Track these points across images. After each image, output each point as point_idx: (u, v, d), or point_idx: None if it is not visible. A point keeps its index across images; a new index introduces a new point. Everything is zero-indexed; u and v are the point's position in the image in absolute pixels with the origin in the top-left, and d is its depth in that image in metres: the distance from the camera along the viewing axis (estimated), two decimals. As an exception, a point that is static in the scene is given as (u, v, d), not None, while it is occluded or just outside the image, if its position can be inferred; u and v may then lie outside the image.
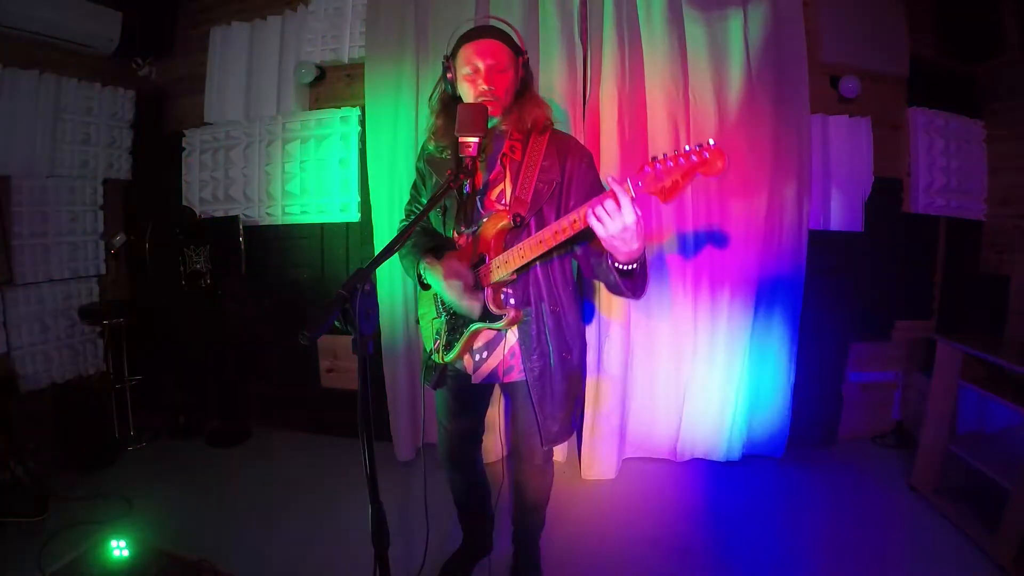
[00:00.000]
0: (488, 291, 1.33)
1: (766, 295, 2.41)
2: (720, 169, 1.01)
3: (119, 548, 1.73)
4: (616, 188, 1.06)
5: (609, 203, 1.07)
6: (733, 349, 2.43)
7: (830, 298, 2.57)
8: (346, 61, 2.66)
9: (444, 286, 1.30)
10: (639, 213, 1.08)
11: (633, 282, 1.24)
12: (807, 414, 2.63)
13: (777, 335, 2.45)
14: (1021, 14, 2.40)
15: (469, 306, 1.30)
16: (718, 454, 2.54)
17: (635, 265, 1.20)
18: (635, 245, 1.12)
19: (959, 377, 2.08)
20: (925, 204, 2.58)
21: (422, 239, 1.48)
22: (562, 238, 1.18)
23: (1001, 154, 2.60)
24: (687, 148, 1.01)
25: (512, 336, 1.41)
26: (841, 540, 1.98)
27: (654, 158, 1.04)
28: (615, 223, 1.07)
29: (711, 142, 1.00)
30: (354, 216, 2.69)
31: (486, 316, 1.34)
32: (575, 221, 1.15)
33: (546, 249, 1.22)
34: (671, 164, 1.02)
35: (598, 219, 1.09)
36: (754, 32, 2.27)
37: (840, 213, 2.53)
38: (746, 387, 2.48)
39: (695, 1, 2.27)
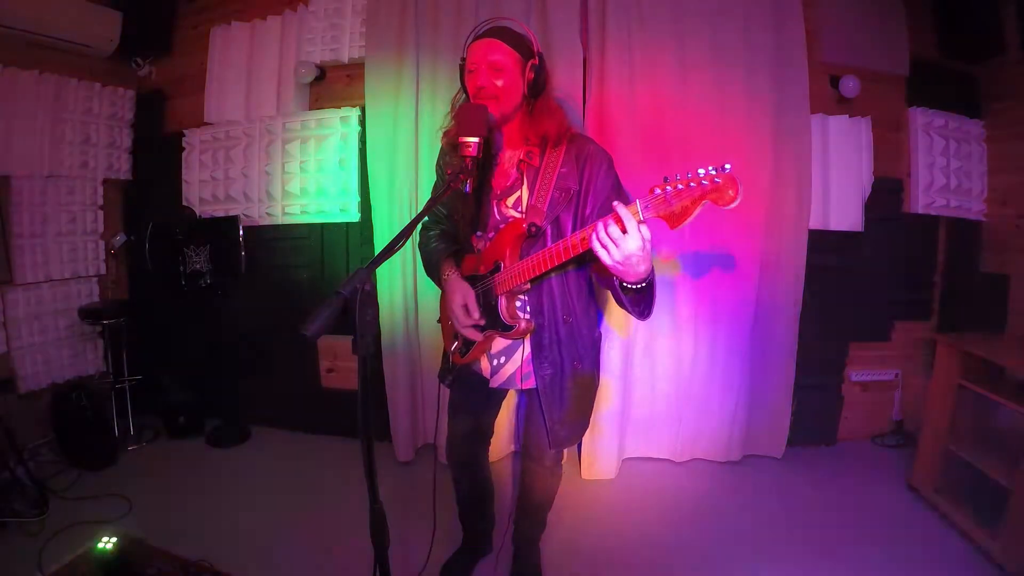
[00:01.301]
0: (502, 300, 1.34)
1: (766, 294, 2.41)
2: (731, 200, 0.93)
3: (107, 543, 1.73)
4: (622, 212, 1.01)
5: (613, 228, 1.02)
6: (733, 348, 2.43)
7: (830, 298, 2.57)
8: (346, 61, 2.65)
9: (452, 314, 1.39)
10: (646, 237, 1.03)
11: (639, 301, 1.21)
12: (807, 414, 2.63)
13: (777, 334, 2.45)
14: (1021, 14, 2.39)
15: (467, 335, 1.38)
16: (718, 454, 2.54)
17: (643, 285, 1.16)
18: (641, 269, 1.08)
19: (959, 377, 2.08)
20: (925, 204, 2.58)
21: (442, 245, 1.50)
22: (571, 255, 1.16)
23: (1001, 154, 2.60)
24: (701, 171, 0.94)
25: (528, 344, 1.41)
26: (841, 540, 1.98)
27: (665, 179, 0.98)
28: (619, 251, 1.03)
29: (727, 167, 0.93)
30: (354, 216, 2.69)
31: (498, 324, 1.35)
32: (583, 239, 1.11)
33: (556, 264, 1.21)
34: (681, 187, 0.95)
35: (603, 245, 1.04)
36: (754, 31, 2.27)
37: (840, 213, 2.53)
38: (746, 387, 2.48)
39: (695, 1, 2.27)
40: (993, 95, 2.62)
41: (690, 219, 0.97)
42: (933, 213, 2.61)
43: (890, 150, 2.58)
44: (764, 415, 2.52)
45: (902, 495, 2.26)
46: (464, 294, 1.36)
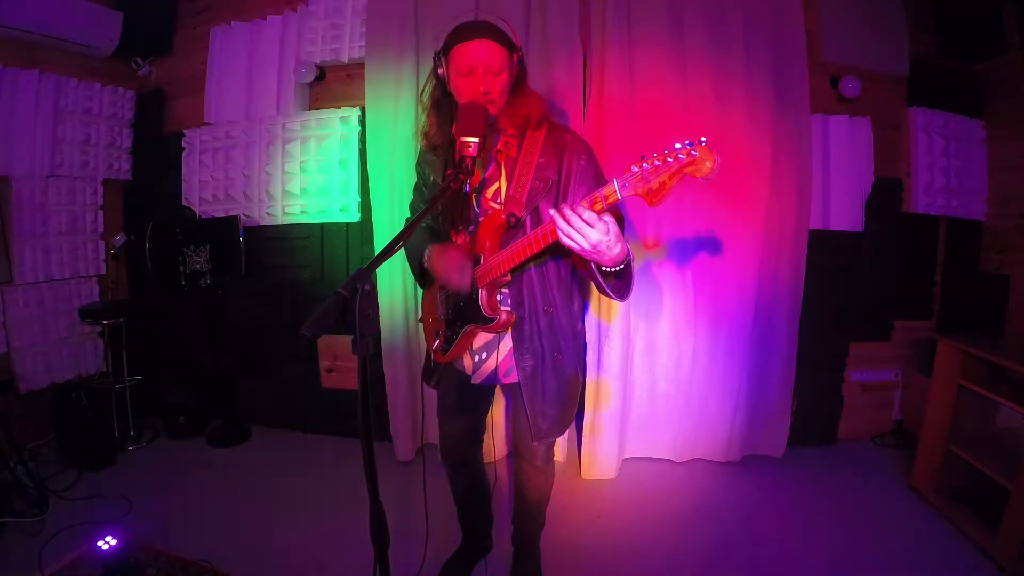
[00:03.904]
0: (482, 293, 1.33)
1: (766, 295, 2.41)
2: (709, 171, 0.92)
3: (107, 543, 1.74)
4: (579, 210, 1.02)
5: (575, 219, 1.02)
6: (733, 349, 2.43)
7: (830, 298, 2.57)
8: (346, 61, 2.66)
9: (439, 268, 1.32)
10: (608, 223, 1.03)
11: (618, 284, 1.21)
12: (807, 414, 2.63)
13: (777, 335, 2.45)
14: (1021, 14, 2.39)
15: (458, 283, 1.29)
16: (718, 454, 2.54)
17: (621, 267, 1.15)
18: (614, 252, 1.08)
19: (959, 377, 2.08)
20: (925, 204, 2.58)
21: (424, 236, 1.49)
22: (550, 241, 1.15)
23: (1001, 154, 2.60)
24: (677, 146, 0.94)
25: (510, 339, 1.41)
26: (841, 540, 1.98)
27: (642, 157, 0.97)
28: (586, 240, 1.03)
29: (703, 140, 0.92)
30: (354, 216, 2.69)
31: (479, 318, 1.35)
32: (547, 235, 1.11)
33: (534, 252, 1.20)
34: (658, 163, 0.95)
35: (568, 236, 1.05)
36: (754, 32, 2.27)
37: (840, 213, 2.53)
38: (746, 387, 2.48)
39: (695, 2, 2.27)
40: (993, 95, 2.62)
41: (667, 195, 0.97)
42: (933, 213, 2.61)
43: (890, 150, 2.58)
44: (764, 415, 2.52)
45: (902, 495, 2.26)
46: (450, 249, 1.32)
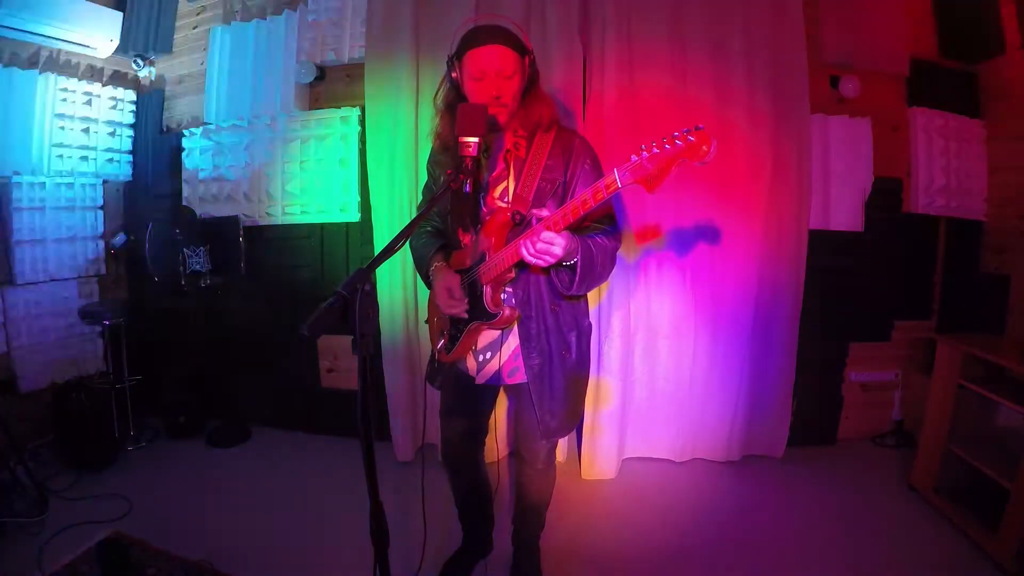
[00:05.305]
0: (487, 290, 1.34)
1: (766, 295, 2.41)
2: (704, 154, 0.97)
3: (107, 543, 1.73)
4: (546, 234, 1.15)
5: (540, 244, 1.15)
6: (733, 348, 2.43)
7: (830, 298, 2.57)
8: (346, 61, 2.66)
9: (437, 299, 1.41)
10: (559, 239, 1.16)
11: (570, 277, 1.29)
12: (807, 414, 2.63)
13: (777, 335, 2.44)
14: (1021, 14, 2.39)
15: (454, 316, 1.40)
16: (718, 454, 2.54)
17: (574, 261, 1.25)
18: (567, 252, 1.21)
19: (959, 377, 2.08)
20: (925, 204, 2.58)
21: (433, 239, 1.51)
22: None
23: (1001, 154, 2.60)
24: (676, 134, 0.99)
25: (514, 339, 1.42)
26: (841, 540, 1.98)
27: (642, 147, 1.02)
28: (551, 256, 1.17)
29: (700, 127, 0.97)
30: (354, 216, 2.69)
31: (483, 315, 1.35)
32: (564, 216, 1.16)
33: (518, 260, 1.24)
34: (656, 151, 1.00)
35: (541, 251, 1.16)
36: (754, 32, 2.27)
37: (840, 213, 2.53)
38: (746, 387, 2.48)
39: (695, 2, 2.27)
40: (993, 95, 2.62)
41: (664, 180, 1.03)
42: (933, 213, 2.61)
43: (890, 150, 2.58)
44: (764, 415, 2.52)
45: (902, 495, 2.26)
46: (448, 279, 1.38)
